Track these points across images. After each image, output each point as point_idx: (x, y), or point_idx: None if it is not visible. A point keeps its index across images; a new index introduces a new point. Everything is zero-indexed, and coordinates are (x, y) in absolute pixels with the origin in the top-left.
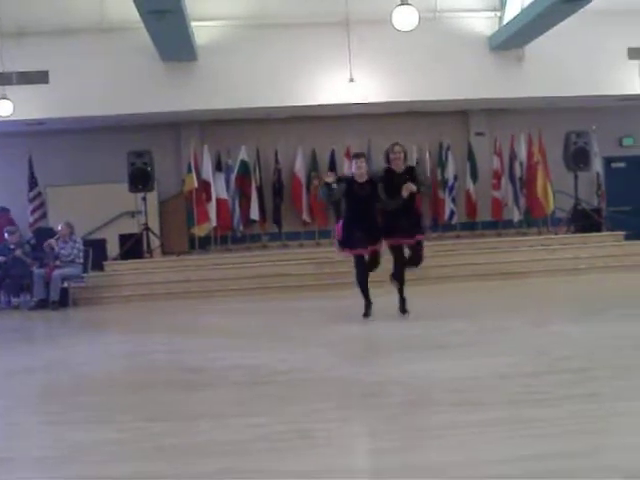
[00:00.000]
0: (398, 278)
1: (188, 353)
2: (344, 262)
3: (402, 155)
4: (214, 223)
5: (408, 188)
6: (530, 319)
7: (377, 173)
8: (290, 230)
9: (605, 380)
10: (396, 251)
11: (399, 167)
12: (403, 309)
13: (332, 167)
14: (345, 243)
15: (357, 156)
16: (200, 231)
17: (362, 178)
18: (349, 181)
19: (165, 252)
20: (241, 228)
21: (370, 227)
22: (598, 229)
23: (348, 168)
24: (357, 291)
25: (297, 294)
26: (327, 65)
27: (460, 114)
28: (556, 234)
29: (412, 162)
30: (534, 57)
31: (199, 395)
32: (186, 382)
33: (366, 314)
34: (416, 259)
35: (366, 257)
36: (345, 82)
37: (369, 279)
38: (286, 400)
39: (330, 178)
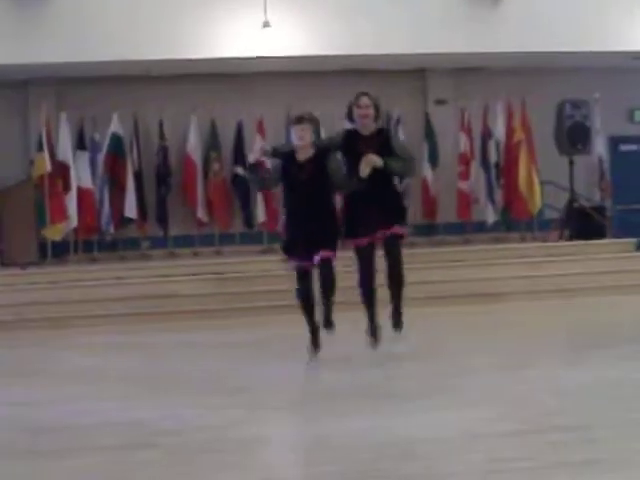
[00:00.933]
0: (366, 296)
1: (37, 406)
2: (258, 278)
3: (372, 110)
4: (74, 223)
5: (368, 162)
6: (507, 358)
7: (333, 140)
8: (180, 233)
9: (606, 442)
10: (362, 255)
11: (367, 128)
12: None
13: (239, 144)
14: (286, 249)
15: (298, 121)
16: (54, 234)
17: (305, 154)
18: (287, 157)
19: (5, 263)
20: (112, 230)
21: (316, 227)
22: (601, 235)
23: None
24: (290, 317)
25: (190, 323)
26: (232, 3)
27: (415, 75)
28: (544, 241)
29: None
30: None
31: (52, 466)
32: (33, 448)
33: (314, 344)
34: (394, 273)
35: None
36: (257, 27)
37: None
38: (174, 471)
39: (256, 155)
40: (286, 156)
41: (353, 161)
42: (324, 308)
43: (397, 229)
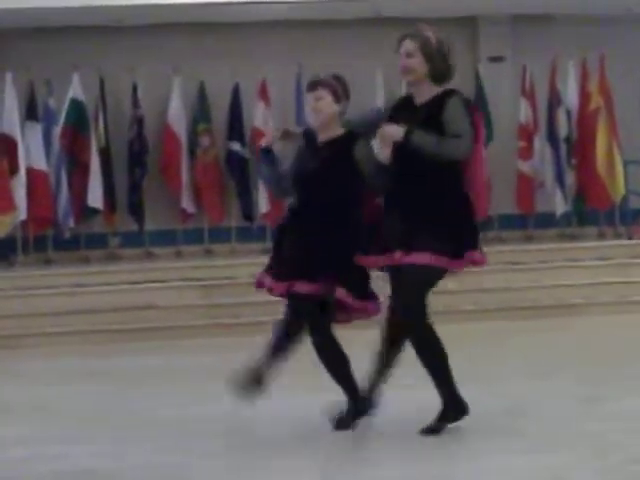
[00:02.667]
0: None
1: None
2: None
3: (418, 60)
4: (23, 214)
5: (385, 135)
6: (583, 389)
7: (378, 113)
8: (159, 227)
9: None
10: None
11: (419, 91)
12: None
13: (236, 113)
14: (270, 267)
15: (311, 87)
16: None
17: (326, 134)
18: (307, 139)
19: None
20: (71, 223)
21: (320, 246)
22: None
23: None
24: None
25: (170, 343)
26: None
27: (463, 24)
28: (630, 238)
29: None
30: None
31: None
32: None
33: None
34: (396, 332)
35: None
36: None
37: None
38: None
39: (273, 136)
40: (307, 138)
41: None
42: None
43: (419, 257)
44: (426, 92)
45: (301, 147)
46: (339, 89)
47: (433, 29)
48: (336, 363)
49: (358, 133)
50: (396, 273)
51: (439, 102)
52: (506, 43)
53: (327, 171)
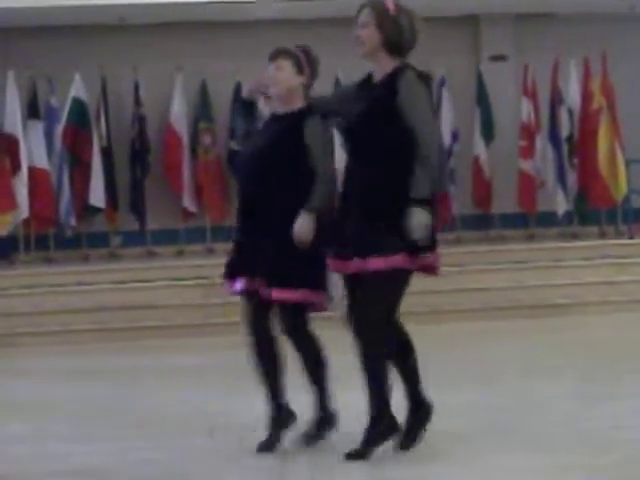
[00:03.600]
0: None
1: None
2: None
3: (370, 32)
4: (24, 213)
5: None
6: (584, 388)
7: (344, 91)
8: (161, 227)
9: None
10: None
11: (377, 67)
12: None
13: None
14: (227, 265)
15: (274, 55)
16: (0, 226)
17: (283, 106)
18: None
19: None
20: (73, 222)
21: (267, 240)
22: None
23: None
24: None
25: (172, 342)
26: None
27: (465, 23)
28: (631, 237)
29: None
30: None
31: None
32: None
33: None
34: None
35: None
36: None
37: None
38: None
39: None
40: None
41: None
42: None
43: (375, 262)
44: (383, 67)
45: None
46: (303, 60)
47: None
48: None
49: (318, 110)
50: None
51: (390, 81)
52: (508, 42)
53: (272, 153)
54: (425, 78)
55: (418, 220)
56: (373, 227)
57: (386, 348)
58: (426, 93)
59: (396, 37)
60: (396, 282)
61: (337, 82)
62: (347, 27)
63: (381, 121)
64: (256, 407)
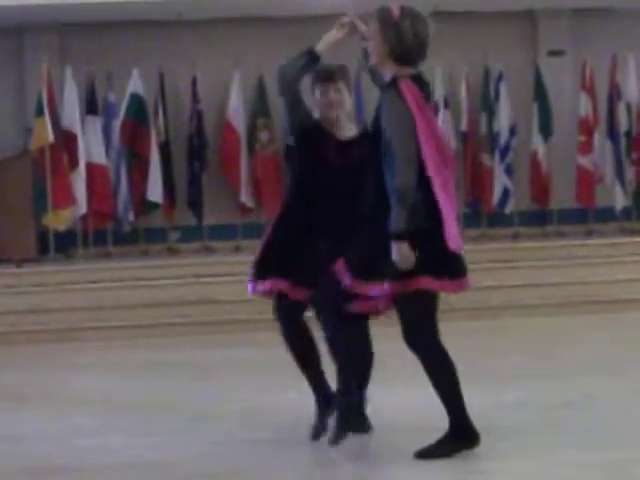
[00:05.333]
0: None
1: (36, 442)
2: None
3: (377, 40)
4: (83, 208)
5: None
6: None
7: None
8: (219, 222)
9: None
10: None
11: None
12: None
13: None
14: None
15: (330, 78)
16: (58, 222)
17: (340, 129)
18: (314, 132)
19: None
20: (131, 217)
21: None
22: None
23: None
24: None
25: (231, 337)
26: None
27: (523, 18)
28: None
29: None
30: None
31: None
32: None
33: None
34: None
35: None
36: None
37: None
38: None
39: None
40: (313, 129)
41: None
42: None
43: (375, 286)
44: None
45: (308, 143)
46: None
47: (402, 6)
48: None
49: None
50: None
51: (381, 98)
52: (566, 37)
53: (361, 170)
54: (400, 88)
55: (397, 255)
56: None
57: None
58: (401, 115)
59: (398, 45)
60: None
61: None
62: None
63: (372, 146)
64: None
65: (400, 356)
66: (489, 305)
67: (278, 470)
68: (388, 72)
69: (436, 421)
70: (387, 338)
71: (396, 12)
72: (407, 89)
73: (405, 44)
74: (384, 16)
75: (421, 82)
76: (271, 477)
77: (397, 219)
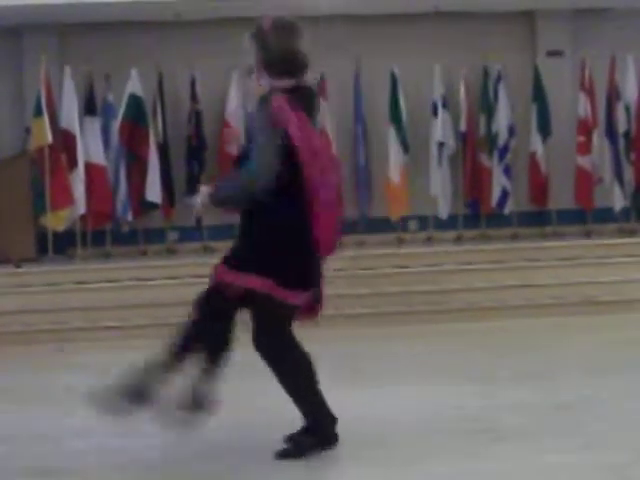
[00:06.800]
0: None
1: (32, 444)
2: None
3: (253, 53)
4: (81, 209)
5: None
6: (637, 387)
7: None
8: (217, 222)
9: None
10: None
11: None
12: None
13: None
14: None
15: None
16: (57, 222)
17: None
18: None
19: None
20: (130, 218)
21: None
22: None
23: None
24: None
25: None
26: None
27: (522, 18)
28: None
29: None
30: None
31: None
32: None
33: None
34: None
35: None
36: None
37: None
38: None
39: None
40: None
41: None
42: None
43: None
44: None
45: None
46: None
47: (275, 17)
48: None
49: None
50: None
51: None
52: (565, 37)
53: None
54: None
55: (196, 200)
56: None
57: None
58: (264, 129)
59: (266, 56)
60: None
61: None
62: (399, 24)
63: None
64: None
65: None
66: (472, 305)
67: (277, 469)
68: (265, 83)
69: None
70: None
71: (267, 23)
72: (277, 103)
73: (272, 55)
74: (257, 27)
75: (302, 93)
76: (270, 476)
77: (226, 190)
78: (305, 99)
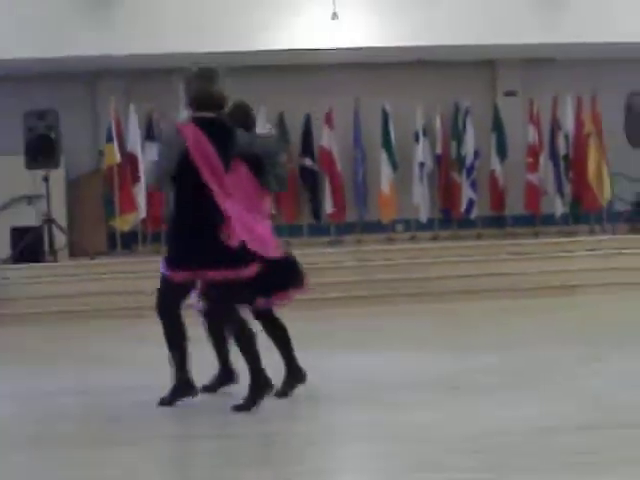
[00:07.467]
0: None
1: (109, 395)
2: (325, 270)
3: None
4: (142, 214)
5: None
6: (578, 352)
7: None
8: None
9: None
10: None
11: None
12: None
13: (307, 136)
14: None
15: None
16: (124, 224)
17: None
18: None
19: (75, 253)
20: None
21: None
22: None
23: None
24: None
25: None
26: None
27: (484, 66)
28: (614, 234)
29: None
30: None
31: (122, 454)
32: (105, 435)
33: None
34: None
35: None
36: (326, 19)
37: None
38: (246, 461)
39: None
40: None
41: None
42: None
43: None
44: None
45: None
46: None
47: (200, 68)
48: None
49: None
50: None
51: None
52: (518, 81)
53: None
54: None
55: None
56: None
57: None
58: (168, 143)
59: (187, 96)
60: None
61: (384, 112)
62: (388, 70)
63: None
64: (332, 363)
65: None
66: (448, 290)
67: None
68: (187, 115)
69: None
70: None
71: (192, 73)
72: (185, 128)
73: (190, 95)
74: (185, 75)
75: (211, 124)
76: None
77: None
78: (215, 128)
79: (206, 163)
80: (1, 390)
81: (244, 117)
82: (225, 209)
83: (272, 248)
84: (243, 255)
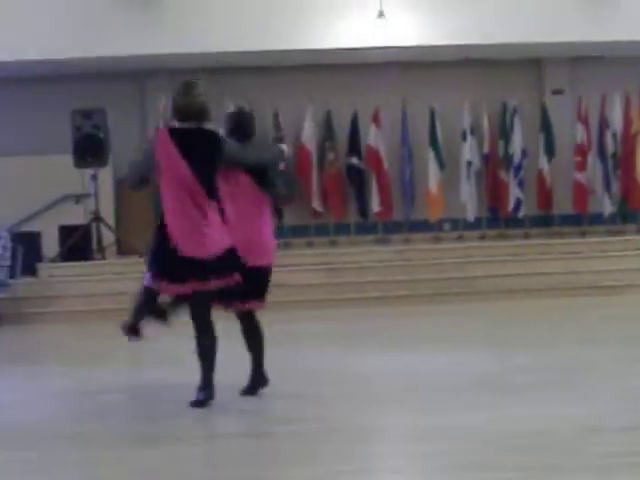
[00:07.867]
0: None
1: (156, 393)
2: (370, 269)
3: None
4: None
5: None
6: (625, 353)
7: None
8: (295, 223)
9: None
10: None
11: None
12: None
13: (354, 134)
14: None
15: None
16: None
17: None
18: None
19: (123, 251)
20: None
21: None
22: None
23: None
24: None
25: (305, 312)
26: None
27: (531, 64)
28: None
29: None
30: None
31: (167, 453)
32: (149, 434)
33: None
34: None
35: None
36: (372, 18)
37: None
38: (289, 460)
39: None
40: None
41: None
42: None
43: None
44: None
45: None
46: None
47: (187, 82)
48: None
49: None
50: None
51: None
52: (566, 79)
53: None
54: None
55: None
56: None
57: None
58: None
59: (171, 107)
60: None
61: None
62: (435, 69)
63: None
64: (377, 362)
65: None
66: (494, 289)
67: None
68: (173, 124)
69: None
70: None
71: (178, 87)
72: (158, 134)
73: (174, 106)
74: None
75: (189, 134)
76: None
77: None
78: (190, 137)
79: (169, 172)
80: (50, 387)
81: (236, 125)
82: (205, 213)
83: (266, 254)
84: (229, 263)
